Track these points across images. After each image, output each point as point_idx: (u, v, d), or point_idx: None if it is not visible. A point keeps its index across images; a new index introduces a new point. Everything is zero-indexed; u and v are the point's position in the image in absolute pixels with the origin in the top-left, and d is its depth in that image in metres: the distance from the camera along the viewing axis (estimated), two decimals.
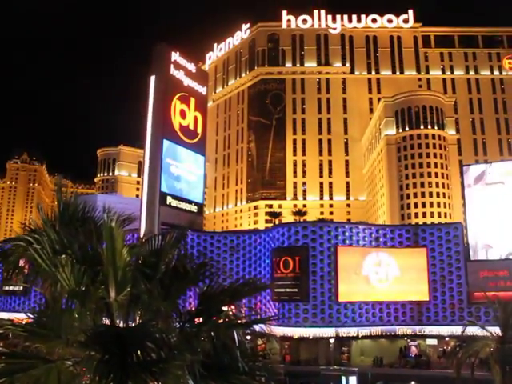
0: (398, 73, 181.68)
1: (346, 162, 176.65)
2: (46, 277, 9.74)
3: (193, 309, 9.07)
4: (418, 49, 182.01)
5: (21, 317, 11.06)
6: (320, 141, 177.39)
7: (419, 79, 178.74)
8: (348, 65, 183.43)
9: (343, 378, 62.35)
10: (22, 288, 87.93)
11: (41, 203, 11.88)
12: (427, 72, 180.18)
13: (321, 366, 70.86)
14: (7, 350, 7.99)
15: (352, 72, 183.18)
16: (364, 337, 78.02)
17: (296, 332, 75.90)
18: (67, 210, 10.84)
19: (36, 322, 8.53)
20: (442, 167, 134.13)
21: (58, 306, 9.08)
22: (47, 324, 8.32)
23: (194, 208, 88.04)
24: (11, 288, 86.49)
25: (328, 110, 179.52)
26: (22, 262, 12.20)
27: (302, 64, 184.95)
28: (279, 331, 73.96)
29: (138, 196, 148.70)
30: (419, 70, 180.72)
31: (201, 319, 8.56)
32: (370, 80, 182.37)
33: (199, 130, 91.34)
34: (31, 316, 8.59)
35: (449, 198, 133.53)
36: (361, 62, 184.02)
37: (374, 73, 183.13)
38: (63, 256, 9.07)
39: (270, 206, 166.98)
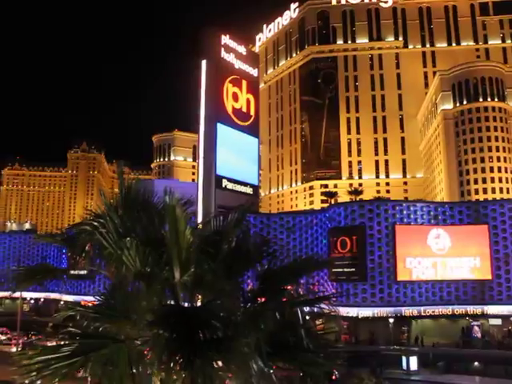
0: (453, 44, 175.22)
1: (402, 138, 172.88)
2: (112, 260, 10.02)
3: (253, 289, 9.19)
4: (476, 17, 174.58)
5: (87, 299, 11.47)
6: (374, 118, 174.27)
7: (477, 49, 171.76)
8: (401, 39, 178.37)
9: (403, 358, 61.75)
10: (87, 272, 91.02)
11: (102, 189, 12.21)
12: (485, 41, 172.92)
13: (380, 346, 70.59)
14: (79, 331, 8.34)
15: (405, 46, 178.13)
16: (424, 316, 76.99)
17: (354, 312, 75.73)
18: (129, 194, 11.13)
19: (104, 304, 8.83)
20: (503, 141, 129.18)
21: (125, 287, 9.35)
22: (115, 305, 8.61)
23: (249, 190, 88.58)
24: (77, 272, 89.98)
25: (382, 86, 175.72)
26: (87, 247, 12.60)
27: (353, 41, 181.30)
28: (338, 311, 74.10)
29: (193, 180, 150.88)
30: (477, 40, 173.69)
31: (264, 298, 8.67)
32: (424, 53, 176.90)
33: (252, 112, 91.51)
34: (99, 298, 8.89)
35: (511, 172, 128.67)
36: (414, 35, 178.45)
37: (428, 45, 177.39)
38: (127, 239, 9.34)
39: (326, 186, 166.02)
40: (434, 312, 76.39)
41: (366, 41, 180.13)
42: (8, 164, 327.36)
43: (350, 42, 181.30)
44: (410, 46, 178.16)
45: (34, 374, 7.33)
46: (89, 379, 7.89)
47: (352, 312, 75.31)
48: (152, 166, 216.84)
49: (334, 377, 49.09)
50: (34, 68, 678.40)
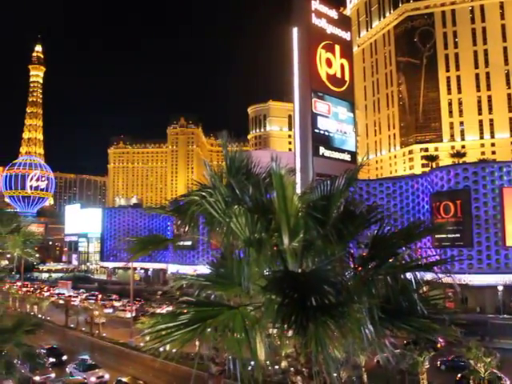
0: None
1: (509, 95, 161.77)
2: (220, 228, 10.26)
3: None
4: None
5: (192, 268, 11.81)
6: (477, 75, 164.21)
7: None
8: None
9: None
10: (192, 242, 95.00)
11: (206, 161, 12.54)
12: None
13: (488, 315, 68.08)
14: (195, 299, 8.64)
15: None
16: None
17: (460, 279, 73.14)
18: (233, 164, 11.37)
19: (215, 272, 9.08)
20: None
21: (234, 255, 9.56)
22: (226, 273, 8.84)
23: (347, 157, 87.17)
24: (183, 243, 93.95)
25: (484, 40, 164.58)
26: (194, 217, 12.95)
27: None
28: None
29: (290, 149, 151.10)
30: None
31: (374, 263, 8.57)
32: None
33: (346, 78, 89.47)
34: (210, 267, 9.14)
35: None
36: None
37: None
38: (236, 207, 9.56)
39: (426, 150, 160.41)
40: None
41: None
42: (113, 143, 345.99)
43: None
44: None
45: (158, 340, 7.57)
46: (197, 344, 8.20)
47: (457, 279, 72.91)
48: (248, 137, 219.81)
49: (439, 345, 48.13)
50: (133, 51, 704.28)
